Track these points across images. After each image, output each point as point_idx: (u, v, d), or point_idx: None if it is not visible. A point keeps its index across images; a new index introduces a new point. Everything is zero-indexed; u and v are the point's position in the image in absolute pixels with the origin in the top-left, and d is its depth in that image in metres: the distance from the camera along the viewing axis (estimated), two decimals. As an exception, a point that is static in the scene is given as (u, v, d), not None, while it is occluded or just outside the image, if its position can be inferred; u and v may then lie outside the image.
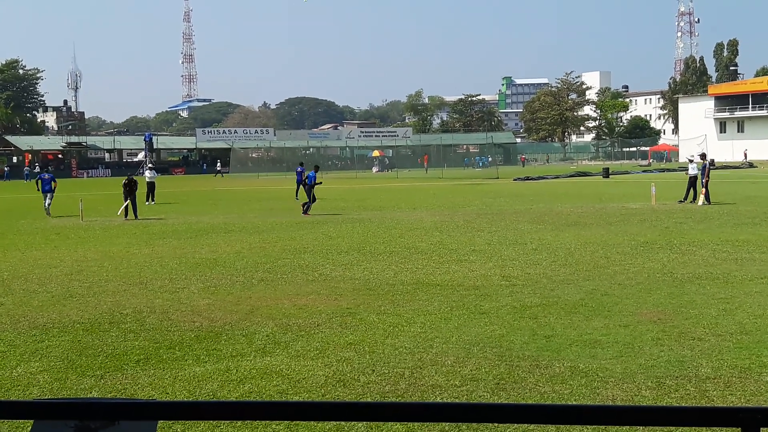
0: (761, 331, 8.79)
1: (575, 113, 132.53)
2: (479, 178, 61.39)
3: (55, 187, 29.56)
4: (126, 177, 28.27)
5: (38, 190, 30.50)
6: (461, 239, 18.55)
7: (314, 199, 27.56)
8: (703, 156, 29.88)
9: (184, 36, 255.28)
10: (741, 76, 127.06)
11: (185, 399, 6.84)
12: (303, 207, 27.32)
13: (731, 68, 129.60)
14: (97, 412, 1.62)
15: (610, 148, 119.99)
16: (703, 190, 27.99)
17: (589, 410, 1.71)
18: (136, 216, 26.64)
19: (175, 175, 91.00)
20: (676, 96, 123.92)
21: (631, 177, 57.90)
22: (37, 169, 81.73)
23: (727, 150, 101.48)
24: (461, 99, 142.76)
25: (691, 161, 29.95)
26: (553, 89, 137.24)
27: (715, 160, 78.57)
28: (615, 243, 17.13)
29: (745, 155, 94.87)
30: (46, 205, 28.97)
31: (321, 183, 28.49)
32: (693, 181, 28.85)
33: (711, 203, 27.49)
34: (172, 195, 42.82)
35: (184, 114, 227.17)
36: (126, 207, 26.95)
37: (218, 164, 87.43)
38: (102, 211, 30.63)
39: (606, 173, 57.45)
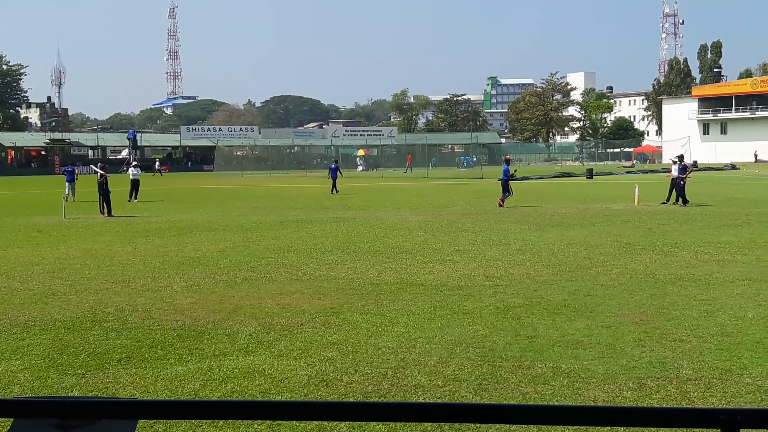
0: (742, 333, 8.85)
1: (560, 114, 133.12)
2: (464, 178, 61.47)
3: (77, 177, 35.95)
4: (99, 175, 27.76)
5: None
6: (445, 239, 18.58)
7: (510, 192, 29.18)
8: (680, 158, 30.09)
9: (169, 33, 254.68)
10: (725, 78, 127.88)
11: (167, 398, 6.81)
12: (501, 200, 29.08)
13: (715, 70, 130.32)
14: (78, 411, 1.61)
15: (594, 149, 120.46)
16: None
17: (571, 411, 1.72)
18: (110, 213, 26.52)
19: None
20: (660, 97, 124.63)
21: (614, 178, 58.14)
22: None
23: (710, 151, 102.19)
24: (446, 99, 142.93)
25: (674, 162, 30.16)
26: (538, 90, 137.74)
27: (698, 162, 79.37)
28: (598, 244, 17.20)
29: (756, 157, 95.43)
30: (67, 193, 34.32)
31: (515, 173, 30.64)
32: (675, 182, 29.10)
33: (687, 204, 27.65)
34: (156, 192, 42.66)
35: (169, 111, 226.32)
36: (101, 205, 26.86)
37: (157, 163, 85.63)
38: (85, 208, 30.46)
39: (590, 174, 57.69)
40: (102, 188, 26.94)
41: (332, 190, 40.07)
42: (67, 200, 30.83)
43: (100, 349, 8.55)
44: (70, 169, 37.15)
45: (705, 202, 29.33)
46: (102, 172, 27.66)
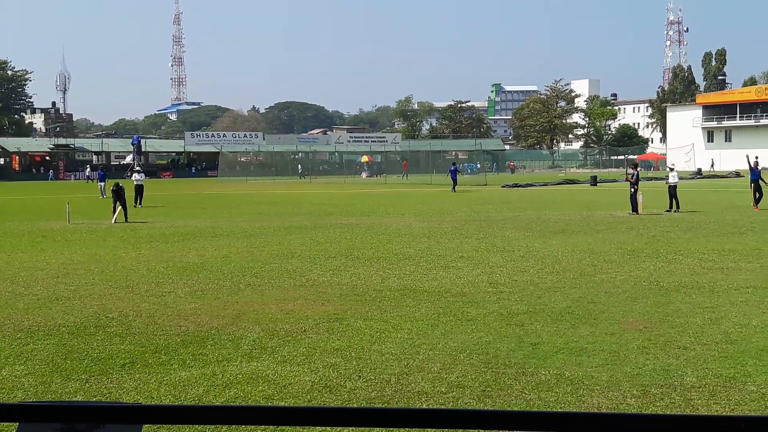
0: (746, 341, 8.84)
1: (564, 121, 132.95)
2: (468, 184, 61.46)
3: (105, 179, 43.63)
4: (114, 183, 28.47)
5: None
6: (449, 246, 18.57)
7: (760, 193, 29.78)
8: (634, 165, 30.03)
9: (174, 39, 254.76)
10: (729, 85, 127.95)
11: (170, 403, 6.81)
12: (755, 203, 29.57)
13: (719, 78, 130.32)
14: (82, 415, 1.61)
15: (598, 156, 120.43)
16: (641, 199, 28.14)
17: (575, 417, 1.72)
18: (126, 219, 26.63)
19: (164, 179, 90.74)
20: (665, 105, 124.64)
21: (618, 185, 58.00)
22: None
23: (714, 159, 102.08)
24: (451, 105, 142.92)
25: (671, 170, 30.21)
26: (542, 96, 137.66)
27: (702, 170, 79.33)
28: (602, 251, 17.18)
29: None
30: (101, 190, 42.99)
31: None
32: (673, 190, 29.16)
33: (639, 214, 27.46)
34: (160, 198, 42.71)
35: (173, 117, 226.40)
36: (117, 212, 26.96)
37: (87, 169, 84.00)
38: (89, 213, 30.52)
39: (594, 181, 57.62)
40: (119, 195, 27.10)
41: (453, 188, 47.71)
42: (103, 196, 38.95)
43: (104, 354, 8.56)
44: (102, 173, 48.15)
45: (707, 209, 29.26)
46: (121, 184, 28.21)
